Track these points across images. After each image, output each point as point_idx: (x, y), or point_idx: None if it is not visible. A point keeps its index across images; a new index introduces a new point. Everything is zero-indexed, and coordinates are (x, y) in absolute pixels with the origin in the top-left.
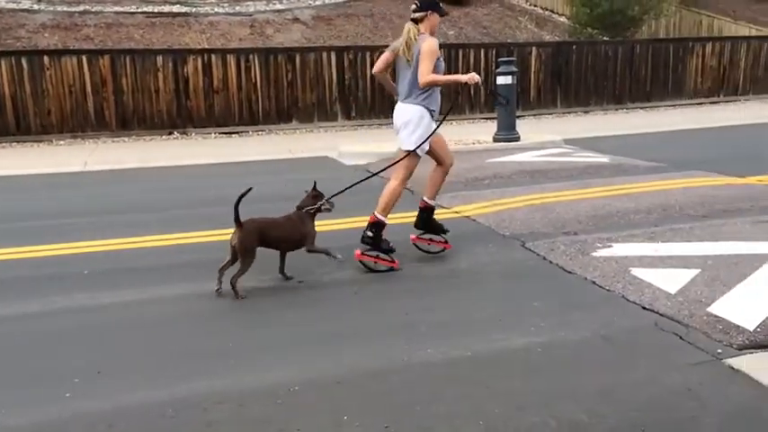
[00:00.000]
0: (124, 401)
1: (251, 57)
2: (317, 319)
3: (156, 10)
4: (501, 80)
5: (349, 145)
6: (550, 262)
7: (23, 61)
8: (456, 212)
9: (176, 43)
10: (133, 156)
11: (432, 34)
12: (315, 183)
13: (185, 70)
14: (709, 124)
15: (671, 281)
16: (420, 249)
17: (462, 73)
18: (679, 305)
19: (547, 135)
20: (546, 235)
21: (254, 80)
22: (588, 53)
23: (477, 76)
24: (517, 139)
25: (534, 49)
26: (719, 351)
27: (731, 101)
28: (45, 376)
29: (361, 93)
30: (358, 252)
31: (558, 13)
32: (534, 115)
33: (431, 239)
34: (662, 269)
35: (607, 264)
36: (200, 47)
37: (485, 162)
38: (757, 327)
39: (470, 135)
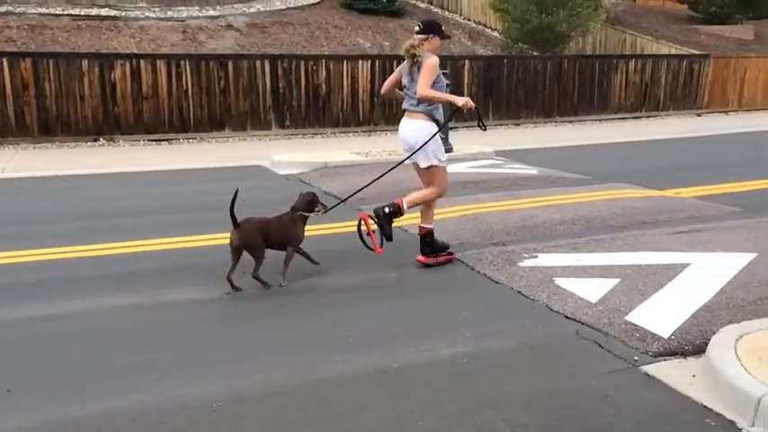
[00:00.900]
0: (31, 421)
1: (182, 63)
2: (244, 332)
3: (83, 12)
4: None
5: (282, 154)
6: (479, 272)
7: None
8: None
9: (104, 47)
10: (55, 163)
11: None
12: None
13: (113, 75)
14: (632, 138)
15: (592, 290)
16: (430, 266)
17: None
18: (599, 314)
19: (479, 147)
20: (475, 245)
21: (185, 87)
22: (519, 67)
23: (472, 102)
24: (450, 150)
25: (467, 62)
26: (636, 358)
27: (653, 116)
28: None
29: (295, 102)
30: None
31: (490, 28)
32: (467, 127)
33: (437, 256)
34: (584, 279)
35: (533, 274)
36: (128, 52)
37: None
38: (671, 334)
39: None
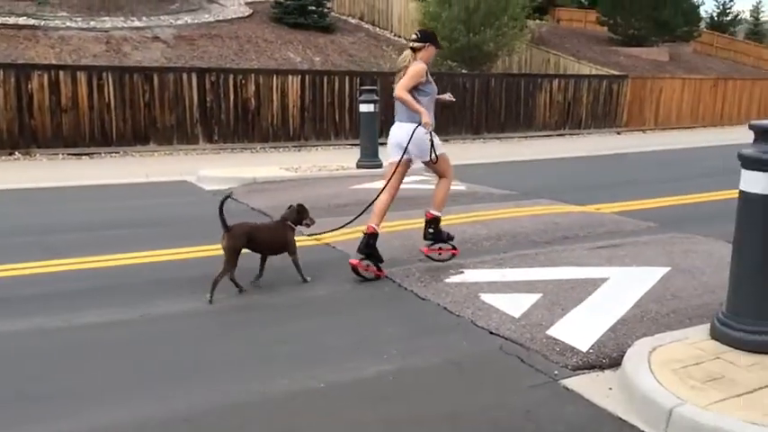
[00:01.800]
0: None
1: (104, 74)
2: (159, 356)
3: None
4: (363, 108)
5: (209, 169)
6: (406, 289)
7: None
8: (316, 239)
9: (21, 57)
10: None
11: (426, 63)
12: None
13: (29, 86)
14: (556, 155)
15: (516, 305)
16: (432, 259)
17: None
18: (522, 329)
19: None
20: (403, 261)
21: (107, 99)
22: (448, 84)
23: (431, 124)
24: (380, 165)
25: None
26: (556, 372)
27: (575, 134)
28: None
29: (224, 115)
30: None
31: None
32: None
33: (440, 248)
34: (508, 294)
35: (458, 290)
36: (47, 62)
37: (347, 188)
38: (590, 348)
39: (335, 161)
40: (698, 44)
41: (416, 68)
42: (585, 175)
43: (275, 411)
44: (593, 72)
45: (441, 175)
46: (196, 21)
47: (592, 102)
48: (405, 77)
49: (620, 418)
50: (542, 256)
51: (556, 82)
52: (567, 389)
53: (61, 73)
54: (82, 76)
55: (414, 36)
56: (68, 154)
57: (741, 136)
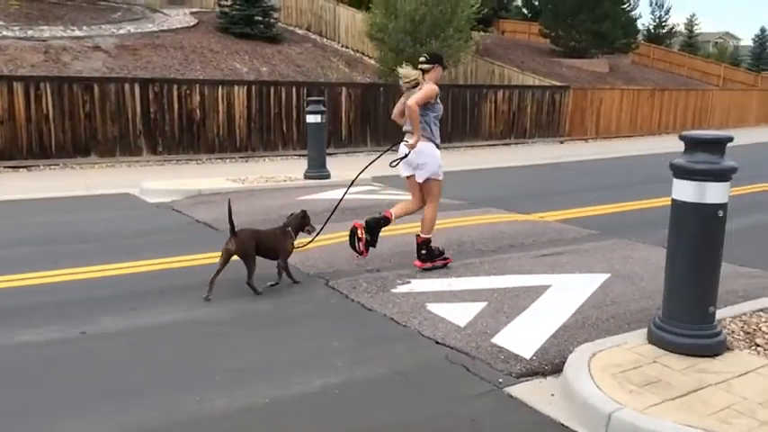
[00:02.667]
0: None
1: (42, 85)
2: (93, 374)
3: None
4: (310, 119)
5: (153, 181)
6: (352, 300)
7: None
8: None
9: None
10: None
11: (434, 83)
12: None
13: None
14: (502, 164)
15: (461, 314)
16: (425, 270)
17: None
18: (467, 338)
19: (356, 173)
20: (350, 273)
21: (45, 110)
22: (395, 95)
23: (416, 148)
24: (327, 176)
25: (344, 89)
26: (501, 380)
27: (520, 143)
28: None
29: (168, 127)
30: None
31: (368, 56)
32: (346, 153)
33: (433, 263)
34: (454, 303)
35: (405, 300)
36: None
37: (295, 199)
38: (533, 355)
39: (282, 171)
40: (636, 56)
41: (432, 88)
42: (530, 183)
43: (213, 431)
44: (537, 83)
45: (427, 198)
46: (139, 30)
47: (536, 112)
48: (420, 93)
49: (563, 425)
50: (487, 265)
51: (501, 92)
52: (512, 396)
53: None
54: (18, 87)
55: (422, 59)
56: (5, 167)
57: (677, 144)
